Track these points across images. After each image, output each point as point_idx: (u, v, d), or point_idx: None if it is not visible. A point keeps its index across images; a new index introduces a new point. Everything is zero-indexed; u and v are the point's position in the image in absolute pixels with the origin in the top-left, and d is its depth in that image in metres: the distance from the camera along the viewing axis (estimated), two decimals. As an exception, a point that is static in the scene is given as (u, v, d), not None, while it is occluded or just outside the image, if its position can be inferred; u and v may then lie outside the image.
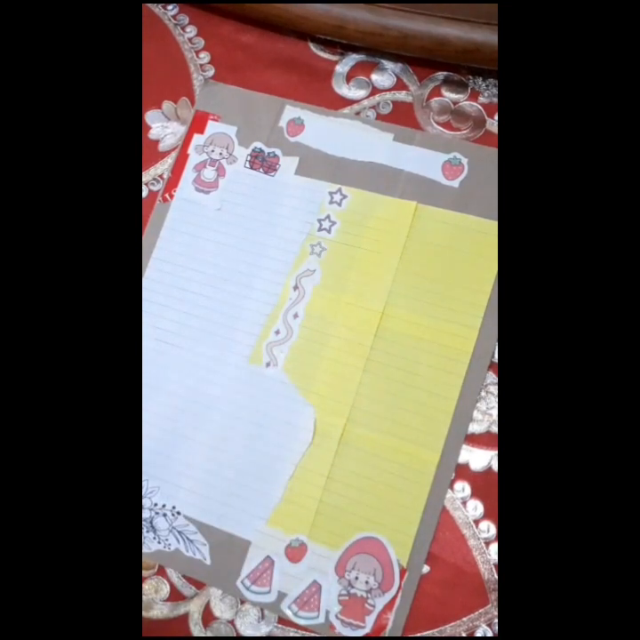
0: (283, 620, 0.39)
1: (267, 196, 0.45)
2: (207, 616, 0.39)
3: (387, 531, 0.39)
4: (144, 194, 0.46)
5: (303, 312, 0.43)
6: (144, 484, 0.41)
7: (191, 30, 0.49)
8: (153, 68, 0.48)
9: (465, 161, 0.43)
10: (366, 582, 0.38)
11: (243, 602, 0.39)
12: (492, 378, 0.40)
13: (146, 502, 0.41)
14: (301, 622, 0.38)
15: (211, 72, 0.48)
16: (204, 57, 0.49)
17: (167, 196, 0.46)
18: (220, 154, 0.46)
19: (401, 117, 0.45)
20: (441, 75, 0.46)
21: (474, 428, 0.39)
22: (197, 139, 0.47)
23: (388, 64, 0.46)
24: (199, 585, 0.40)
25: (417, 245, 0.42)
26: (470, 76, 0.45)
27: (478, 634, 0.37)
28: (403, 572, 0.38)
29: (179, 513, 0.41)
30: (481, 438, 0.39)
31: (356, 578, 0.38)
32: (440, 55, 0.44)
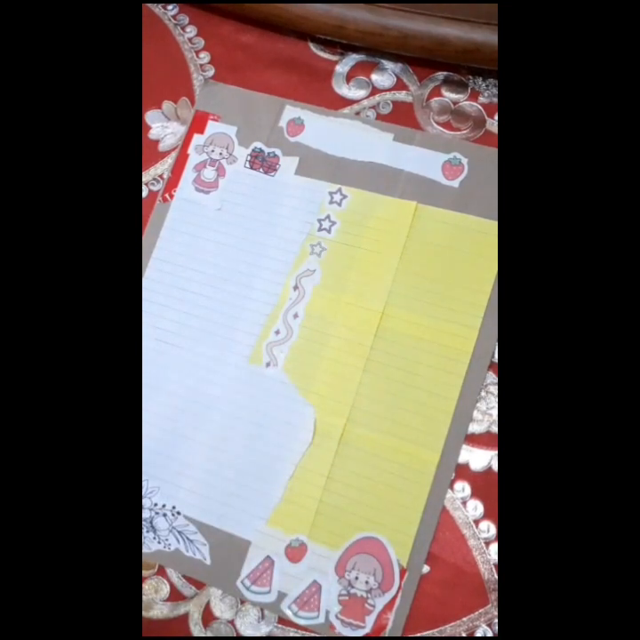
0: (283, 620, 0.39)
1: (267, 196, 0.45)
2: (207, 616, 0.39)
3: (387, 531, 0.39)
4: (144, 194, 0.46)
5: (303, 312, 0.43)
6: (144, 483, 0.41)
7: (191, 30, 0.49)
8: (153, 68, 0.48)
9: (465, 161, 0.43)
10: (366, 582, 0.38)
11: (243, 602, 0.39)
12: (492, 378, 0.40)
13: (146, 502, 0.41)
14: (301, 622, 0.38)
15: (211, 72, 0.48)
16: (204, 57, 0.49)
17: (167, 195, 0.46)
18: (220, 154, 0.46)
19: (401, 117, 0.45)
20: (441, 75, 0.46)
21: (474, 428, 0.39)
22: (197, 139, 0.47)
23: (388, 64, 0.46)
24: (199, 585, 0.40)
25: (417, 245, 0.42)
26: (470, 76, 0.45)
27: (478, 634, 0.37)
28: (403, 571, 0.38)
29: (179, 513, 0.41)
30: (481, 438, 0.39)
31: (356, 578, 0.38)
32: (440, 55, 0.44)
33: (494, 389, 0.40)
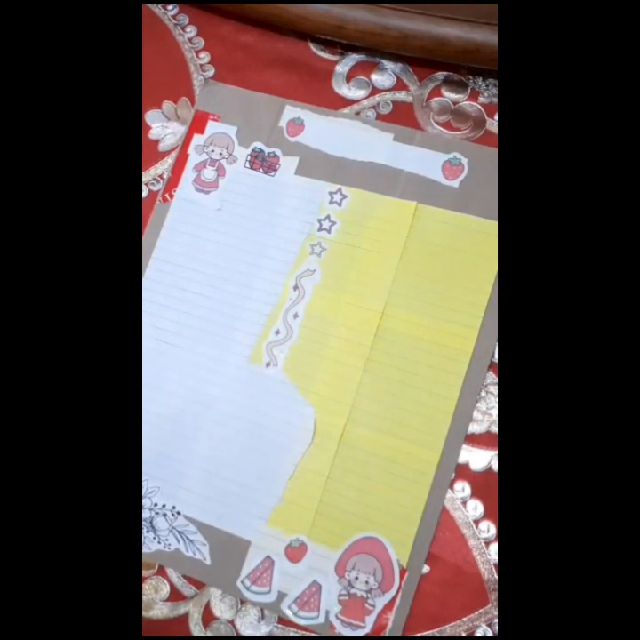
0: (283, 620, 0.39)
1: (267, 195, 0.45)
2: (207, 616, 0.39)
3: (387, 531, 0.39)
4: (144, 194, 0.46)
5: (303, 312, 0.43)
6: (144, 483, 0.41)
7: (191, 30, 0.49)
8: (153, 68, 0.48)
9: (465, 161, 0.43)
10: (366, 582, 0.38)
11: (243, 602, 0.39)
12: (492, 378, 0.40)
13: (146, 502, 0.41)
14: (301, 622, 0.38)
15: (211, 72, 0.48)
16: (204, 57, 0.49)
17: (167, 195, 0.46)
18: (220, 154, 0.46)
19: (401, 117, 0.45)
20: (441, 75, 0.46)
21: (474, 428, 0.39)
22: (197, 139, 0.47)
23: (388, 64, 0.46)
24: (199, 585, 0.40)
25: (417, 245, 0.42)
26: (470, 76, 0.45)
27: (478, 634, 0.37)
28: (403, 571, 0.38)
29: (179, 513, 0.41)
30: (481, 438, 0.39)
31: (356, 578, 0.38)
32: (440, 55, 0.44)
33: (494, 389, 0.40)
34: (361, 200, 0.44)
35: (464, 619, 0.37)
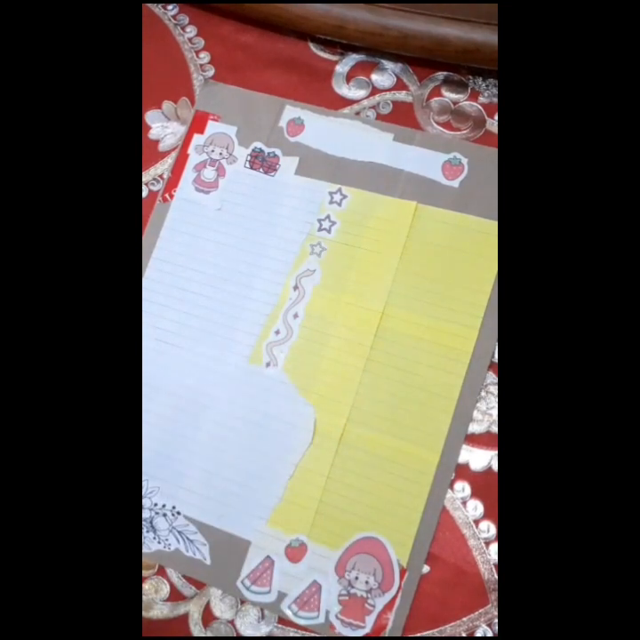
0: (283, 620, 0.39)
1: (267, 195, 0.45)
2: (207, 616, 0.39)
3: (387, 531, 0.39)
4: (144, 194, 0.46)
5: (303, 312, 0.43)
6: (144, 483, 0.41)
7: (191, 30, 0.49)
8: (153, 68, 0.48)
9: (465, 161, 0.43)
10: (366, 582, 0.38)
11: (243, 602, 0.39)
12: (492, 378, 0.40)
13: (146, 502, 0.41)
14: (301, 622, 0.38)
15: (211, 72, 0.48)
16: (204, 57, 0.49)
17: (167, 195, 0.46)
18: (220, 154, 0.46)
19: (401, 117, 0.45)
20: (441, 75, 0.46)
21: (474, 428, 0.39)
22: (197, 139, 0.47)
23: (388, 64, 0.46)
24: (199, 585, 0.40)
25: (417, 245, 0.42)
26: (470, 76, 0.45)
27: (478, 634, 0.37)
28: (403, 571, 0.38)
29: (179, 513, 0.41)
30: (481, 438, 0.39)
31: (356, 578, 0.38)
32: (440, 55, 0.44)
33: (494, 389, 0.40)
34: (361, 200, 0.44)
35: (464, 619, 0.37)
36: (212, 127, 0.47)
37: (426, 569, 0.38)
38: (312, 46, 0.48)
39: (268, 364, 0.42)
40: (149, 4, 0.50)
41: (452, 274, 0.41)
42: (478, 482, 0.39)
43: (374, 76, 0.46)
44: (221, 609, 0.39)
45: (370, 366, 0.41)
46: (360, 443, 0.40)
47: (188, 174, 0.46)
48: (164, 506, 0.41)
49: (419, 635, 0.37)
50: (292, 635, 0.38)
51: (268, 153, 0.46)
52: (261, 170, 0.45)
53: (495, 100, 0.45)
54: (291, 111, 0.46)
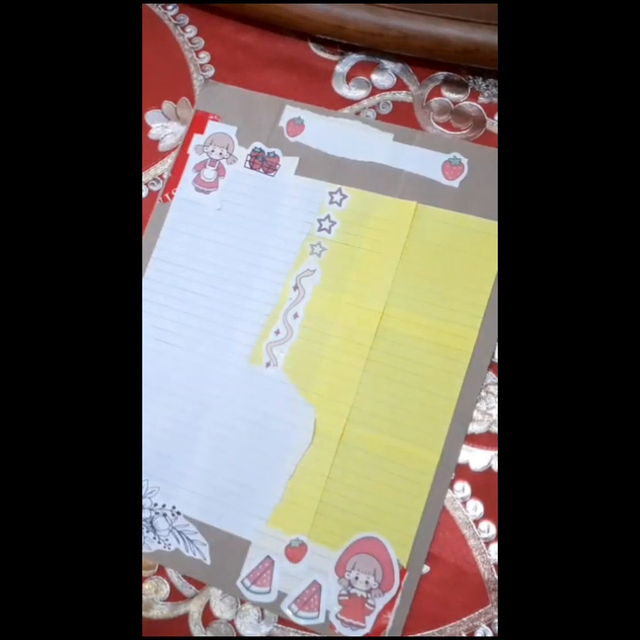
0: (283, 620, 0.39)
1: (267, 195, 0.45)
2: (207, 616, 0.39)
3: (387, 531, 0.39)
4: (144, 194, 0.46)
5: (303, 312, 0.43)
6: (144, 484, 0.41)
7: (191, 30, 0.49)
8: (153, 68, 0.48)
9: (465, 161, 0.43)
10: (366, 582, 0.38)
11: (243, 602, 0.39)
12: (492, 378, 0.40)
13: (146, 502, 0.41)
14: (301, 622, 0.38)
15: (211, 72, 0.48)
16: (204, 57, 0.49)
17: (167, 195, 0.46)
18: (220, 154, 0.46)
19: (401, 117, 0.45)
20: (441, 75, 0.46)
21: (474, 428, 0.39)
22: (197, 139, 0.47)
23: (388, 64, 0.46)
24: (199, 585, 0.40)
25: (417, 245, 0.42)
26: (470, 76, 0.45)
27: (478, 634, 0.37)
28: (403, 571, 0.38)
29: (179, 513, 0.41)
30: (481, 438, 0.39)
31: (356, 578, 0.38)
32: (440, 55, 0.44)
33: (494, 389, 0.40)
34: (361, 200, 0.44)
35: (464, 619, 0.37)
36: (211, 127, 0.47)
37: (426, 569, 0.38)
38: (312, 46, 0.48)
39: (267, 364, 0.42)
40: (149, 4, 0.50)
41: (451, 274, 0.41)
42: (478, 482, 0.39)
43: (374, 76, 0.46)
44: (221, 609, 0.39)
45: (370, 366, 0.41)
46: (360, 443, 0.40)
47: (187, 174, 0.46)
48: (164, 506, 0.41)
49: (419, 635, 0.37)
50: (291, 635, 0.38)
51: (268, 153, 0.46)
52: (261, 170, 0.45)
53: (495, 99, 0.45)
54: (291, 111, 0.46)
